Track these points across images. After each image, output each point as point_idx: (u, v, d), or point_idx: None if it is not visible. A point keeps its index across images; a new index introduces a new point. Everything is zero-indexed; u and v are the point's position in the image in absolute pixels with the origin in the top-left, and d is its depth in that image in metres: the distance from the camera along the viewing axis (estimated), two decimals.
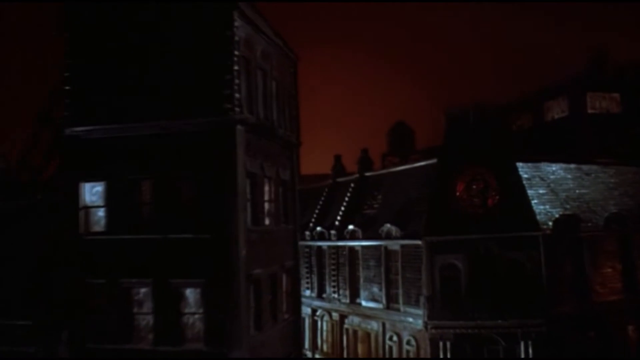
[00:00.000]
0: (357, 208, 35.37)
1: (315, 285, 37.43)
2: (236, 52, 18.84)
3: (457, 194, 27.93)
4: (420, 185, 30.78)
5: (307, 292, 38.22)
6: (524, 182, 28.76)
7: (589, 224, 30.02)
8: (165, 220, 18.77)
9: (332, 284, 35.65)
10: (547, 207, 29.37)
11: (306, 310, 38.70)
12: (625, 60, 54.46)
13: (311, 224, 38.43)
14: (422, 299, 28.18)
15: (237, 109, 18.60)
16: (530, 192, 28.75)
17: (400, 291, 30.08)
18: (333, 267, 35.61)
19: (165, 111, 18.86)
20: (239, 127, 18.61)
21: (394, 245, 30.63)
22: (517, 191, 27.71)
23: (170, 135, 18.97)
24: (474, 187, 27.82)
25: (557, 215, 29.02)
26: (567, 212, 29.55)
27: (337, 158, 39.01)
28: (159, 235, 18.71)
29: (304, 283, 38.57)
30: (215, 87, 18.68)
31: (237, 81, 18.73)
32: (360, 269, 33.30)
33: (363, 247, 33.13)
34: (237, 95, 18.66)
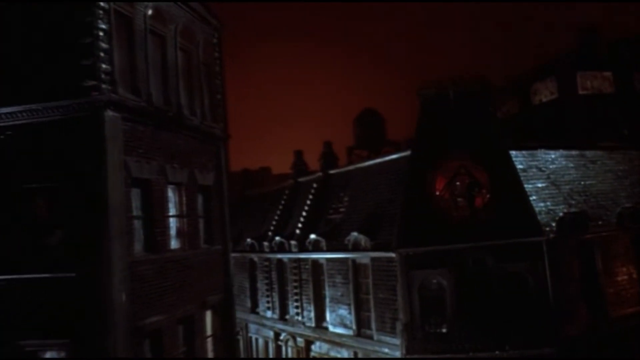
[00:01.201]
0: (321, 213, 29.18)
1: (277, 305, 31.21)
2: (102, 4, 12.54)
3: (437, 193, 21.81)
4: (393, 183, 24.66)
5: (269, 314, 32.01)
6: (520, 174, 22.69)
7: (600, 222, 24.10)
8: (10, 252, 12.48)
9: (295, 304, 29.44)
10: (549, 204, 23.37)
11: (269, 334, 32.56)
12: (616, 36, 49.07)
13: (270, 233, 32.20)
14: (398, 326, 22.06)
15: (104, 87, 12.28)
16: (527, 186, 22.73)
17: (373, 315, 23.95)
18: (295, 284, 29.40)
19: (17, 97, 12.55)
20: (109, 112, 12.32)
21: (364, 258, 24.52)
22: (512, 186, 21.64)
23: (18, 131, 12.64)
24: (458, 183, 21.74)
25: (560, 214, 23.06)
26: (573, 210, 23.58)
27: (298, 154, 32.78)
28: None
29: (264, 302, 32.39)
30: (75, 58, 12.39)
31: (104, 46, 12.42)
32: (326, 286, 27.12)
33: (328, 260, 26.97)
34: (104, 66, 12.37)
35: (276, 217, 32.78)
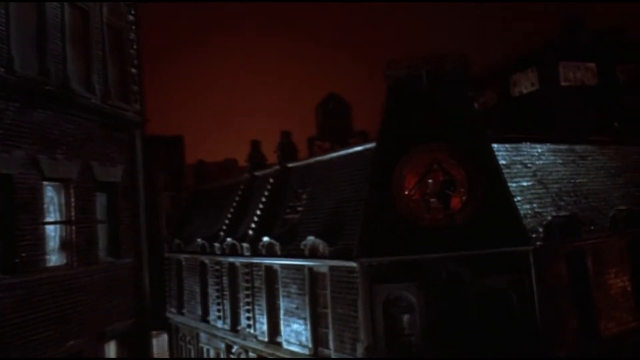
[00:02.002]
0: (277, 212, 25.41)
1: (228, 314, 27.39)
2: None
3: (406, 192, 18.17)
4: (357, 179, 20.96)
5: (220, 323, 28.21)
6: (502, 171, 19.14)
7: (592, 227, 20.69)
8: None
9: (247, 314, 25.67)
10: (535, 205, 19.90)
11: (220, 345, 28.77)
12: (601, 25, 46.07)
13: (222, 233, 28.35)
14: (359, 347, 18.44)
15: None
16: (511, 185, 19.22)
17: (331, 333, 20.29)
18: (247, 291, 25.62)
19: None
20: None
21: (322, 266, 20.82)
22: (494, 186, 18.07)
23: None
24: (431, 181, 18.15)
25: (549, 218, 19.61)
26: (562, 212, 20.17)
27: (254, 144, 28.91)
28: None
29: (214, 310, 28.56)
30: None
31: None
32: (281, 296, 23.38)
33: (282, 266, 23.23)
34: None
35: (229, 216, 28.91)
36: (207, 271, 29.59)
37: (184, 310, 32.63)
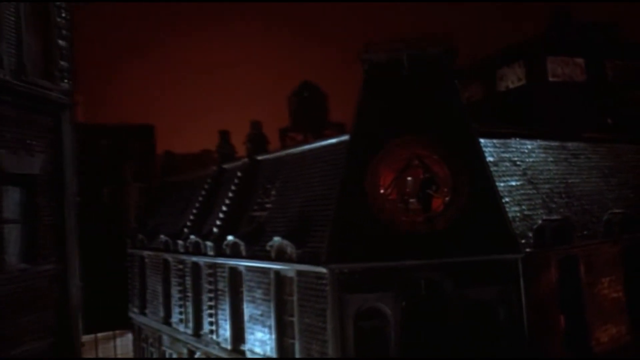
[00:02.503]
0: (244, 208, 23.18)
1: (191, 317, 25.12)
2: None
3: (382, 191, 16.03)
4: (330, 175, 18.81)
5: (182, 327, 25.95)
6: (490, 169, 17.08)
7: (585, 232, 18.74)
8: None
9: (209, 319, 23.44)
10: (524, 207, 17.89)
11: (183, 350, 26.50)
12: (589, 21, 44.40)
13: (186, 230, 26.03)
14: None
15: None
16: (498, 184, 17.17)
17: (297, 344, 18.16)
18: (210, 294, 23.39)
19: None
20: None
21: (289, 270, 18.66)
22: (481, 185, 15.98)
23: None
24: (410, 179, 16.05)
25: (539, 221, 17.61)
26: (554, 216, 18.19)
27: (223, 135, 26.55)
28: None
29: (177, 313, 26.27)
30: None
31: None
32: (245, 301, 21.19)
33: (247, 268, 21.04)
34: None
35: (194, 211, 26.59)
36: (170, 270, 27.27)
37: (147, 311, 30.30)
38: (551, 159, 20.33)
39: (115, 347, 36.73)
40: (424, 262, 15.46)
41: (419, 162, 15.75)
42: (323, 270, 16.48)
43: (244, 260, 21.10)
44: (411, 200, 15.98)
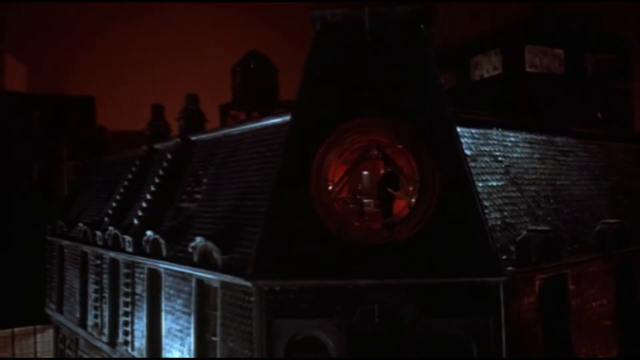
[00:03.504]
0: (171, 197, 19.12)
1: (107, 323, 21.00)
2: None
3: (330, 187, 12.16)
4: (270, 163, 14.88)
5: (96, 333, 21.82)
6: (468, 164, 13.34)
7: (575, 246, 15.27)
8: None
9: (125, 327, 19.39)
10: (506, 214, 14.31)
11: (98, 358, 22.36)
12: (570, 10, 41.61)
13: (107, 219, 21.84)
14: None
15: None
16: (477, 184, 13.46)
17: None
18: (127, 298, 19.32)
19: None
20: None
21: (213, 280, 14.74)
22: (457, 184, 12.22)
23: None
24: (366, 173, 12.25)
25: (523, 232, 14.04)
26: (541, 225, 14.68)
27: (156, 110, 22.31)
28: None
29: (92, 317, 22.11)
30: None
31: None
32: (163, 311, 17.21)
33: (167, 272, 17.05)
34: None
35: (118, 197, 22.38)
36: (88, 265, 23.05)
37: (64, 309, 26.04)
38: (538, 155, 16.83)
39: (35, 344, 32.26)
40: (380, 283, 11.74)
41: (379, 152, 11.95)
42: (250, 284, 12.62)
43: (163, 261, 17.09)
44: (367, 200, 12.19)
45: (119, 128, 40.20)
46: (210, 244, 14.74)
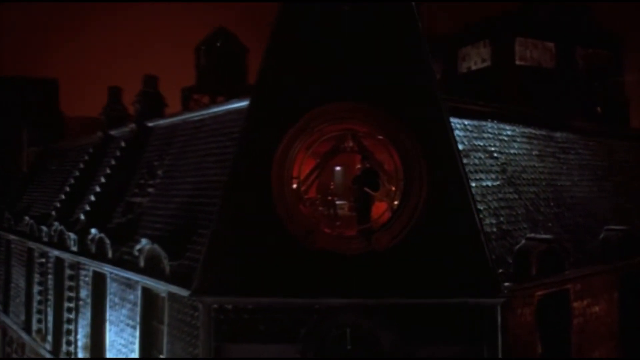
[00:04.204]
0: (122, 191, 16.79)
1: (51, 330, 18.65)
2: None
3: (295, 186, 9.96)
4: (229, 153, 12.57)
5: (39, 339, 19.44)
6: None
7: (578, 257, 13.28)
8: None
9: (68, 337, 17.08)
10: (502, 219, 12.28)
11: None
12: (562, 3, 39.62)
13: (54, 213, 19.46)
14: None
15: None
16: (470, 184, 11.30)
17: None
18: (70, 303, 17.01)
19: None
20: None
21: (161, 289, 12.50)
22: (448, 184, 10.06)
23: None
24: (339, 169, 10.03)
25: (522, 241, 12.02)
26: (541, 233, 12.66)
27: (113, 93, 19.90)
28: None
29: (35, 321, 19.71)
30: None
31: None
32: (107, 319, 14.93)
33: (112, 277, 14.75)
34: None
35: (67, 189, 19.98)
36: (34, 263, 20.63)
37: (10, 310, 23.58)
38: (536, 151, 14.82)
39: None
40: (353, 302, 9.61)
41: (355, 144, 9.79)
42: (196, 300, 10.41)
43: (108, 264, 14.80)
44: (340, 202, 10.03)
45: (85, 113, 37.45)
46: (157, 248, 12.50)
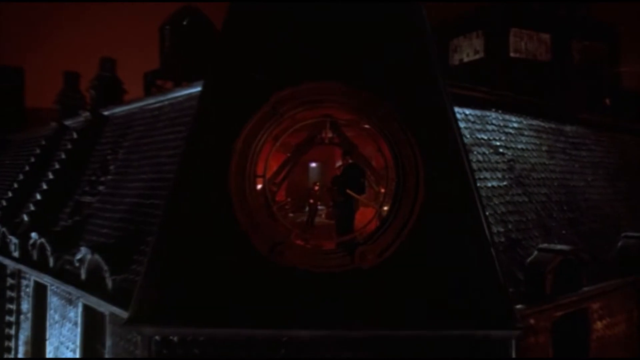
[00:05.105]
0: (72, 189, 14.63)
1: None
2: None
3: (260, 186, 7.87)
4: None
5: None
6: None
7: (597, 270, 11.38)
8: None
9: (7, 354, 14.90)
10: (511, 226, 10.30)
11: None
12: None
13: None
14: None
15: None
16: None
17: None
18: (10, 317, 14.83)
19: None
20: None
21: (101, 306, 10.37)
22: (449, 186, 8.04)
23: None
24: (314, 165, 7.94)
25: (535, 251, 10.05)
26: (555, 242, 10.73)
27: (69, 78, 17.63)
28: None
29: None
30: None
31: None
32: (47, 338, 12.79)
33: (52, 289, 12.62)
34: None
35: (15, 186, 17.73)
36: None
37: None
38: (545, 147, 12.89)
39: None
40: (331, 334, 7.59)
41: (335, 134, 7.74)
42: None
43: (49, 275, 12.66)
44: (317, 206, 7.99)
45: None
46: (98, 258, 10.39)
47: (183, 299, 7.80)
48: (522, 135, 12.35)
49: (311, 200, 9.58)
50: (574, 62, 34.12)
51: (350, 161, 8.24)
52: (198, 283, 7.80)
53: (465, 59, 35.06)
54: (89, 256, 10.74)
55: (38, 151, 18.07)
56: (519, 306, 8.98)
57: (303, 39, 8.08)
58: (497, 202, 10.39)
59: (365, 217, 8.36)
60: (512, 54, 32.42)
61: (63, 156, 15.56)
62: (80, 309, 11.31)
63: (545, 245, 10.52)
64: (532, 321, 9.53)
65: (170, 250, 7.90)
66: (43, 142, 18.20)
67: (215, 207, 7.84)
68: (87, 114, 15.84)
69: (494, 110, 12.04)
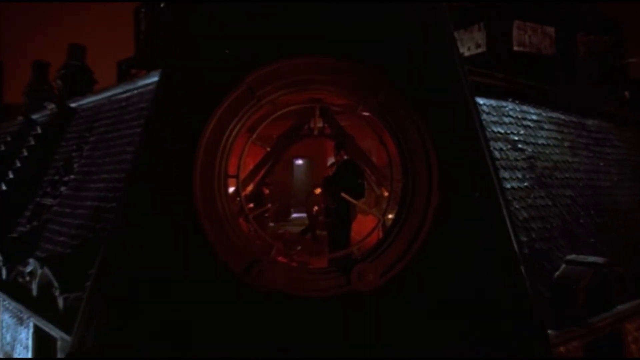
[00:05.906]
0: (34, 188, 13.04)
1: None
2: None
3: (233, 189, 6.26)
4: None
5: None
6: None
7: (633, 285, 9.84)
8: None
9: None
10: (535, 235, 8.74)
11: None
12: None
13: None
14: None
15: None
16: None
17: None
18: None
19: None
20: None
21: (52, 329, 8.74)
22: (470, 188, 6.44)
23: None
24: (300, 162, 6.35)
25: (562, 264, 8.50)
26: (583, 253, 9.15)
27: (38, 69, 16.03)
28: None
29: None
30: None
31: None
32: None
33: (5, 305, 11.01)
34: None
35: None
36: None
37: None
38: (567, 142, 11.36)
39: None
40: None
41: (327, 123, 6.17)
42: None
43: (1, 289, 11.06)
44: (319, 216, 6.45)
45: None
46: (47, 273, 8.80)
47: (136, 330, 6.23)
48: (542, 129, 10.83)
49: (315, 208, 7.84)
50: (579, 55, 32.67)
51: (345, 157, 6.68)
52: (154, 311, 6.23)
53: (467, 53, 33.53)
54: (39, 270, 9.16)
55: (3, 148, 16.43)
56: (549, 331, 7.45)
57: (283, 6, 6.50)
58: (518, 207, 8.85)
59: (364, 227, 6.80)
60: (515, 48, 31.01)
61: (25, 153, 13.97)
62: (31, 331, 9.73)
63: (573, 256, 9.00)
64: (561, 349, 8.02)
65: (120, 269, 6.33)
66: (8, 139, 16.56)
67: (177, 217, 6.27)
68: (53, 106, 14.22)
69: (510, 100, 10.52)
